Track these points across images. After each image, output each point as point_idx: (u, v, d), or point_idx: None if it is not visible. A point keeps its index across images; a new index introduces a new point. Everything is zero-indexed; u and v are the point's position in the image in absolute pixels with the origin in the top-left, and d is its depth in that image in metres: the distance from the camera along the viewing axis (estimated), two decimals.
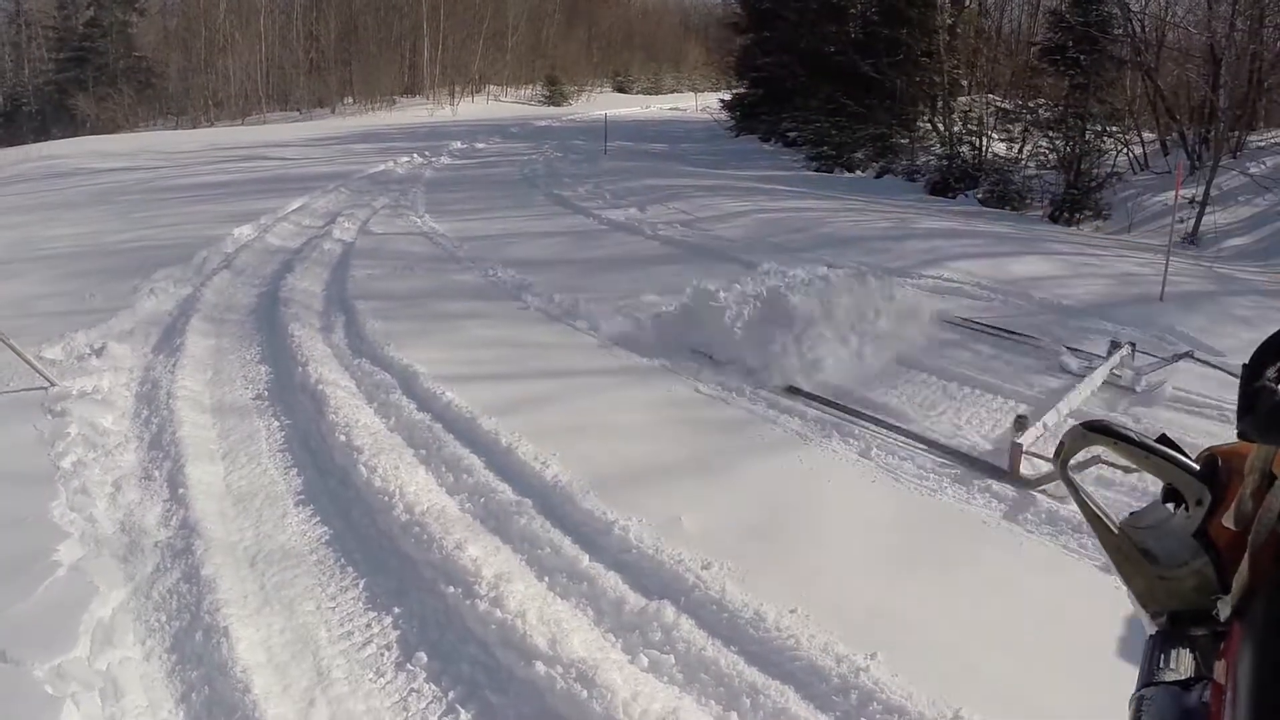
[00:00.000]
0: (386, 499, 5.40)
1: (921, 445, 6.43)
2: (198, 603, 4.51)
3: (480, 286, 11.15)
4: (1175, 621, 1.44)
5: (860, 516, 5.51)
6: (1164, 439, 1.49)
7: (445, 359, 8.11)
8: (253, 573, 4.86)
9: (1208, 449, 1.51)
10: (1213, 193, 17.30)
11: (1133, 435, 1.48)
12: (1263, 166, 19.34)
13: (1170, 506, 1.54)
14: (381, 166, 24.47)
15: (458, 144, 30.63)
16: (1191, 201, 16.35)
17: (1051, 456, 1.58)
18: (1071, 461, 1.60)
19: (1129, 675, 1.46)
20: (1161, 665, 1.38)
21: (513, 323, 9.58)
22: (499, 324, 9.51)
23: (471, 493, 5.64)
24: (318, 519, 5.44)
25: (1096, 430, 1.52)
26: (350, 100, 57.07)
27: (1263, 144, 20.59)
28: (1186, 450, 1.51)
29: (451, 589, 4.50)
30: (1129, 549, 1.51)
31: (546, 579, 4.69)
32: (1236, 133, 20.10)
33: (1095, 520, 1.56)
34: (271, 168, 24.72)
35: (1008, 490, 5.80)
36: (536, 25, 69.52)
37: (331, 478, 5.97)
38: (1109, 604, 4.56)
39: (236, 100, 56.00)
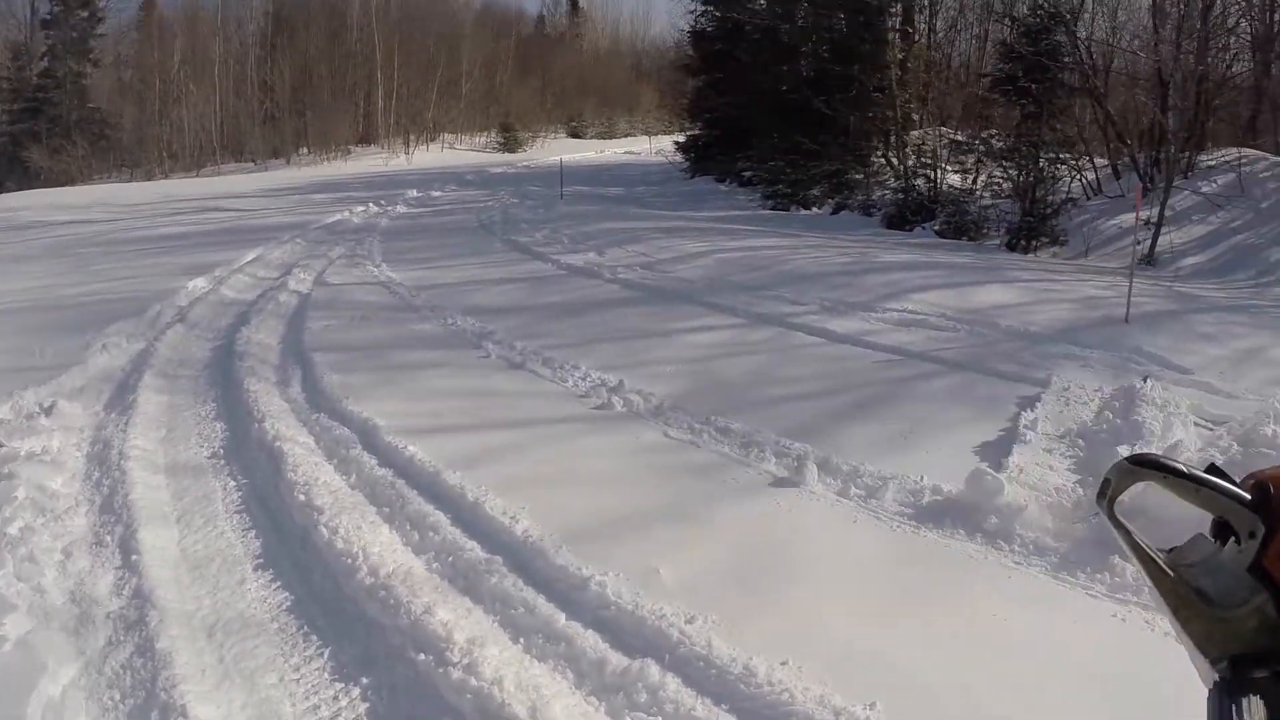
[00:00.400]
0: (350, 561, 5.15)
1: None
2: (153, 678, 4.26)
3: (440, 335, 10.97)
4: (1237, 665, 1.29)
5: (845, 558, 5.39)
6: (1213, 468, 1.35)
7: (406, 411, 7.89)
8: (211, 644, 4.60)
9: (1253, 475, 1.36)
10: (1167, 213, 17.63)
11: (1182, 468, 1.34)
12: (1214, 185, 19.80)
13: (1215, 541, 1.40)
14: (337, 216, 24.27)
15: (413, 192, 30.50)
16: (1147, 223, 16.55)
17: (1096, 496, 1.43)
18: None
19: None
20: (1235, 716, 1.22)
21: (474, 372, 9.41)
22: (460, 373, 9.34)
23: (439, 551, 5.40)
24: (278, 584, 5.18)
25: (1145, 465, 1.37)
26: (305, 150, 56.86)
27: (1213, 163, 21.01)
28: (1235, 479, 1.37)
29: (422, 656, 4.27)
30: (1185, 591, 1.36)
31: (522, 640, 4.47)
32: (1187, 153, 20.44)
33: (1148, 564, 1.41)
34: (226, 219, 24.43)
35: (992, 523, 5.69)
36: (490, 73, 69.53)
37: (291, 539, 5.72)
38: (1110, 634, 4.56)
39: (191, 152, 55.62)
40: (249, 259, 17.01)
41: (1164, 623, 4.14)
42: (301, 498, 6.03)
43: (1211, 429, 7.22)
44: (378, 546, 5.34)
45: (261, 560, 5.49)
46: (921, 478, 6.34)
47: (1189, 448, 6.38)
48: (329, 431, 7.47)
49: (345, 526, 5.56)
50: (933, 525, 5.78)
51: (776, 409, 8.18)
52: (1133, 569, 5.21)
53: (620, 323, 11.40)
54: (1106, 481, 1.40)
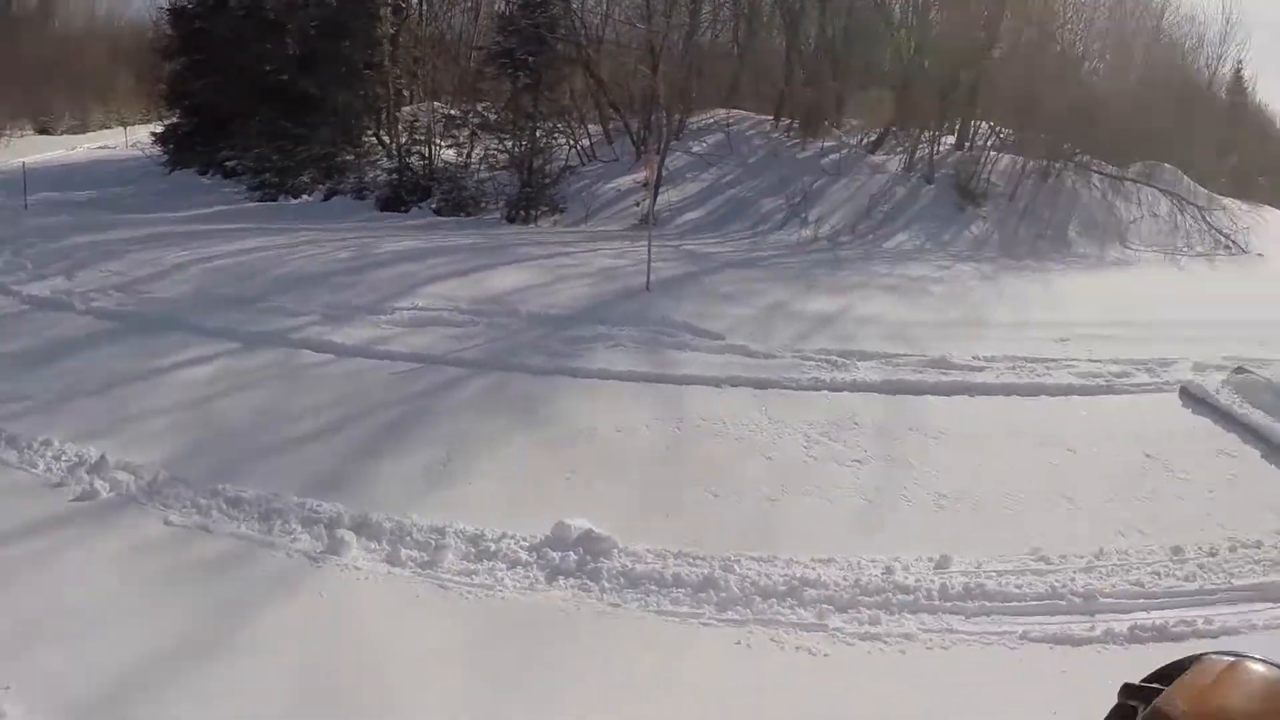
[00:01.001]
0: None
1: None
2: None
3: None
4: None
5: (428, 647, 4.67)
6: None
7: None
8: None
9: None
10: (662, 173, 18.59)
11: None
12: (704, 145, 21.76)
13: None
14: None
15: None
16: (645, 185, 17.10)
17: None
18: None
19: None
20: None
21: None
22: None
23: None
24: None
25: None
26: None
27: (700, 125, 23.00)
28: None
29: None
30: None
31: None
32: (677, 117, 21.95)
33: None
34: None
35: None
36: None
37: None
38: (740, 663, 4.39)
39: None
40: None
41: (792, 638, 3.66)
42: None
43: None
44: None
45: None
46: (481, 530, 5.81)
47: None
48: None
49: None
50: (507, 582, 5.31)
51: (294, 456, 7.31)
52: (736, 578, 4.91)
53: (98, 367, 9.83)
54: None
